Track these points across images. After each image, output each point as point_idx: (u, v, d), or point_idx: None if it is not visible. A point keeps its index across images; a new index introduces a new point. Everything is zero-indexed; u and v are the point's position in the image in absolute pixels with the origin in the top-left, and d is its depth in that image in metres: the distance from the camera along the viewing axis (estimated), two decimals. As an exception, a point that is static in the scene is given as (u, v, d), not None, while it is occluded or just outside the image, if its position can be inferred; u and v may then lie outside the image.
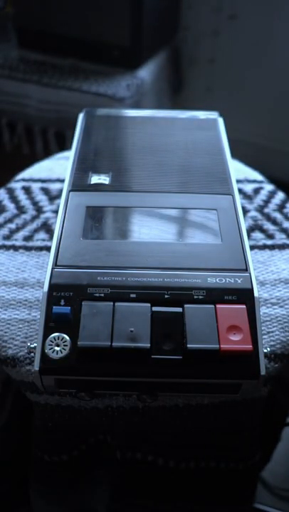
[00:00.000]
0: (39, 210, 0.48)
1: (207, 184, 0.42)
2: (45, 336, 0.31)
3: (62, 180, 0.51)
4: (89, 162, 0.44)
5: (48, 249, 0.44)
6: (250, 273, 0.34)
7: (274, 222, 0.47)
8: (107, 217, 0.39)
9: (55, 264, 0.34)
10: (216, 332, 0.31)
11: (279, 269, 0.43)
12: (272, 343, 0.37)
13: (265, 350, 0.33)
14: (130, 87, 1.02)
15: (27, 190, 0.50)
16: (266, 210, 0.49)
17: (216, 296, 0.33)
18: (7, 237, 0.45)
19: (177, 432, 0.39)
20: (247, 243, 0.37)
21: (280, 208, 0.49)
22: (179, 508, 0.45)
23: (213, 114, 0.51)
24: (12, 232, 0.46)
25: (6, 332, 0.37)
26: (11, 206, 0.48)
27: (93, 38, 1.04)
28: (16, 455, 0.48)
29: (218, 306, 0.32)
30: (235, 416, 0.38)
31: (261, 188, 0.51)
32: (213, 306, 0.32)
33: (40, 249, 0.44)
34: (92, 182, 0.42)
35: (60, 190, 0.50)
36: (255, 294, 0.33)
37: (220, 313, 0.32)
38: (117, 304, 0.32)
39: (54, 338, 0.31)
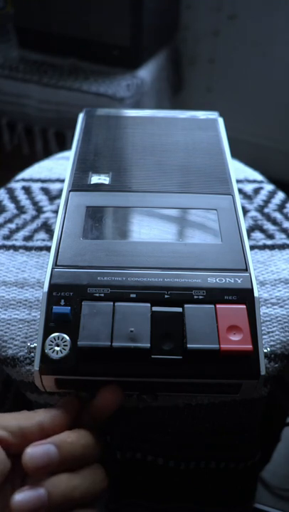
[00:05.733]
0: (39, 210, 0.48)
1: (207, 184, 0.42)
2: (45, 335, 0.31)
3: (62, 180, 0.51)
4: (89, 162, 0.44)
5: (48, 249, 0.44)
6: (250, 273, 0.34)
7: (274, 222, 0.47)
8: (107, 217, 0.39)
9: (55, 264, 0.34)
10: (216, 332, 0.31)
11: (279, 269, 0.43)
12: (272, 343, 0.37)
13: (265, 350, 0.33)
14: (130, 87, 1.02)
15: (27, 190, 0.50)
16: (266, 210, 0.49)
17: (216, 296, 0.33)
18: (7, 237, 0.45)
19: (177, 432, 0.39)
20: (247, 243, 0.37)
21: (280, 208, 0.49)
22: (178, 508, 0.45)
23: (213, 114, 0.51)
24: (12, 232, 0.46)
25: (6, 332, 0.37)
26: (11, 206, 0.48)
27: (93, 38, 1.04)
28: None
29: (218, 306, 0.32)
30: (235, 416, 0.38)
31: (261, 188, 0.51)
32: (213, 306, 0.32)
33: (40, 249, 0.44)
34: (92, 182, 0.42)
35: (60, 190, 0.50)
36: (255, 294, 0.33)
37: (220, 313, 0.32)
38: (117, 303, 0.32)
39: (54, 338, 0.31)
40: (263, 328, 0.38)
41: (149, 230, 0.38)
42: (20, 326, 0.38)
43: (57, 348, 0.30)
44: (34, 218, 0.47)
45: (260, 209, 0.49)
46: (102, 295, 0.32)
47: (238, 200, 0.41)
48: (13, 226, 0.46)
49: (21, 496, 0.26)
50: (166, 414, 0.37)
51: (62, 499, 0.27)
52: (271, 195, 0.51)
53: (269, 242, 0.45)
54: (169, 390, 0.33)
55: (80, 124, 0.49)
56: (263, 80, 1.24)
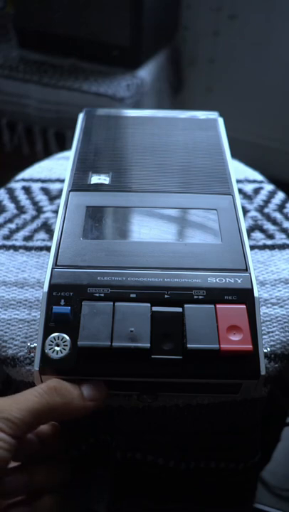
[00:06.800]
0: (39, 210, 0.48)
1: (207, 184, 0.42)
2: (45, 335, 0.31)
3: (62, 180, 0.51)
4: (89, 162, 0.44)
5: (48, 249, 0.44)
6: (250, 273, 0.34)
7: (274, 222, 0.47)
8: (107, 217, 0.39)
9: (55, 264, 0.34)
10: (216, 332, 0.31)
11: (279, 269, 0.43)
12: (272, 343, 0.37)
13: (265, 350, 0.33)
14: (130, 87, 1.02)
15: (27, 190, 0.50)
16: (266, 210, 0.49)
17: (216, 296, 0.33)
18: (7, 237, 0.45)
19: (177, 432, 0.39)
20: (247, 243, 0.37)
21: (280, 208, 0.49)
22: (178, 508, 0.45)
23: (213, 114, 0.51)
24: (12, 232, 0.46)
25: (6, 332, 0.37)
26: (11, 206, 0.48)
27: (93, 38, 1.04)
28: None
29: (218, 306, 0.32)
30: (236, 416, 0.38)
31: (261, 188, 0.51)
32: (213, 306, 0.32)
33: (40, 249, 0.44)
34: (92, 182, 0.42)
35: (60, 190, 0.50)
36: (255, 294, 0.33)
37: (220, 313, 0.32)
38: (117, 303, 0.32)
39: (54, 338, 0.31)
40: (263, 328, 0.38)
41: (149, 230, 0.38)
42: (20, 326, 0.38)
43: (57, 348, 0.30)
44: (34, 218, 0.47)
45: (260, 209, 0.49)
46: (102, 295, 0.32)
47: (238, 200, 0.41)
48: (13, 226, 0.46)
49: None
50: (166, 414, 0.37)
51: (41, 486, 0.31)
52: (271, 195, 0.51)
53: (269, 242, 0.45)
54: (169, 390, 0.33)
55: (80, 124, 0.49)
56: (263, 80, 1.24)
